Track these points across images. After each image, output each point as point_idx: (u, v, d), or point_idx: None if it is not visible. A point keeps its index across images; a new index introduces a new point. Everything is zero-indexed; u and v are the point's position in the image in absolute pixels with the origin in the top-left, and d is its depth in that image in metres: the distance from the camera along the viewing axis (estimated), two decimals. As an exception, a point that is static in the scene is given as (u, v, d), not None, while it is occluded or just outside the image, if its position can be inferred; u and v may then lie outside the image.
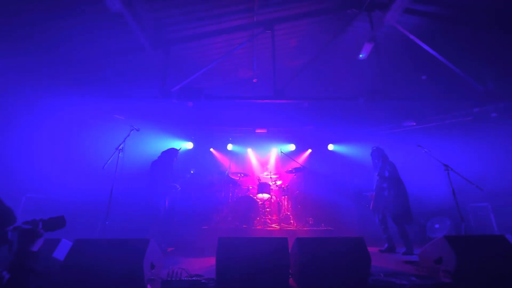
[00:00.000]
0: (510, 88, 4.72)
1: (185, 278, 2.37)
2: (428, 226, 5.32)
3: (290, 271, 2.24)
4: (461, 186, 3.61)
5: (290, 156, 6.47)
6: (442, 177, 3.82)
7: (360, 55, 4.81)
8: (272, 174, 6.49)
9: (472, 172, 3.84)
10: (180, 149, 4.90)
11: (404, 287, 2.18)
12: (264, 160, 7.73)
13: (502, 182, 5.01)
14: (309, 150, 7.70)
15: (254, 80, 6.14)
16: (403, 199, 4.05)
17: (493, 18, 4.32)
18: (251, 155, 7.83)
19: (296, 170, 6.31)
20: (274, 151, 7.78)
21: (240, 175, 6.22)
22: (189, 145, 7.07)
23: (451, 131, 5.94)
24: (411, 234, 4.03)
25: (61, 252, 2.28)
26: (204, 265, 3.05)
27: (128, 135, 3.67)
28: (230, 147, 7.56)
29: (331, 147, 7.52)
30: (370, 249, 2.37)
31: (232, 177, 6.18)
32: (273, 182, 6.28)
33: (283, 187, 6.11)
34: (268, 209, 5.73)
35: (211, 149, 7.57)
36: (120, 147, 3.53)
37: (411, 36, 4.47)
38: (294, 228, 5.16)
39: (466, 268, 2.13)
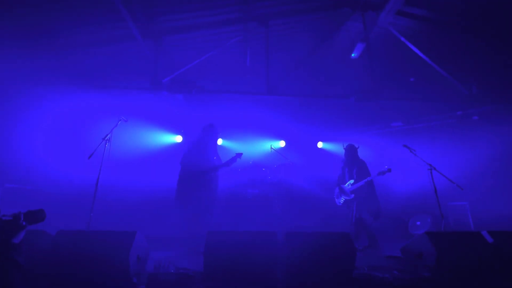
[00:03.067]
0: (492, 93, 4.94)
1: (172, 271, 2.35)
2: (410, 223, 5.52)
3: (278, 264, 2.27)
4: (441, 185, 3.76)
5: (280, 152, 6.50)
6: (424, 176, 3.95)
7: (352, 55, 4.88)
8: (262, 169, 6.51)
9: (453, 172, 4.00)
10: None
11: (386, 280, 2.27)
12: (254, 156, 7.73)
13: (480, 182, 5.26)
14: (299, 147, 7.76)
15: (247, 76, 6.10)
16: (375, 195, 4.23)
17: (480, 24, 4.48)
18: (241, 150, 7.80)
19: (286, 166, 6.36)
20: (265, 147, 7.79)
21: (230, 170, 6.19)
22: (178, 138, 6.96)
23: (436, 132, 6.16)
24: (393, 231, 4.17)
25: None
26: (191, 258, 3.04)
27: (116, 126, 3.56)
28: (220, 141, 7.50)
29: (320, 144, 7.63)
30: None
31: (221, 172, 6.13)
32: (263, 178, 6.30)
33: (273, 183, 6.15)
34: (257, 204, 5.76)
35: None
36: (107, 137, 3.42)
37: (402, 38, 4.57)
38: (283, 223, 5.22)
39: (444, 262, 2.24)
